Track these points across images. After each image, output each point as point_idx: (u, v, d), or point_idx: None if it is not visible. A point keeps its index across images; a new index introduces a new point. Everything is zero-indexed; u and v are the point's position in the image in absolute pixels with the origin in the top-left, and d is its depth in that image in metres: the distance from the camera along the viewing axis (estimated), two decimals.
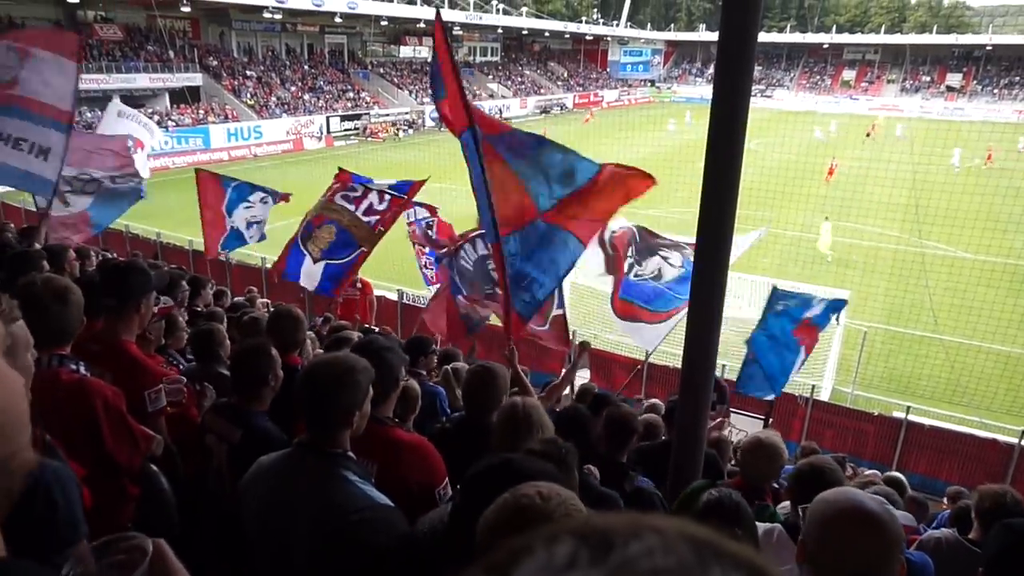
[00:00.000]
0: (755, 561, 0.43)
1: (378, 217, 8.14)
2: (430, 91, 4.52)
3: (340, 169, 8.42)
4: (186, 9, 38.49)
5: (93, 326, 3.02)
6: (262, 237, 9.64)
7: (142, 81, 36.94)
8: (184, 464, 2.91)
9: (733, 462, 5.39)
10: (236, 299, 7.65)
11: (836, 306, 7.14)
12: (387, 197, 8.16)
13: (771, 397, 7.30)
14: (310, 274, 8.48)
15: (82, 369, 2.48)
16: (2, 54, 6.24)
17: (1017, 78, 67.18)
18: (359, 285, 9.98)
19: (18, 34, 8.26)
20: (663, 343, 7.69)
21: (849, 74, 76.01)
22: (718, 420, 6.36)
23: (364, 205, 8.23)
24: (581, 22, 77.38)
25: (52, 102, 6.42)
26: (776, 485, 3.68)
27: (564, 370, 5.75)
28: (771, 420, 8.29)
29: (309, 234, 8.39)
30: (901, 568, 1.43)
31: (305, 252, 8.46)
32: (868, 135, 45.14)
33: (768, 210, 22.01)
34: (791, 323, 6.89)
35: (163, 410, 2.98)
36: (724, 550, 0.42)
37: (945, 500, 6.06)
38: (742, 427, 8.42)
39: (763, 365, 6.94)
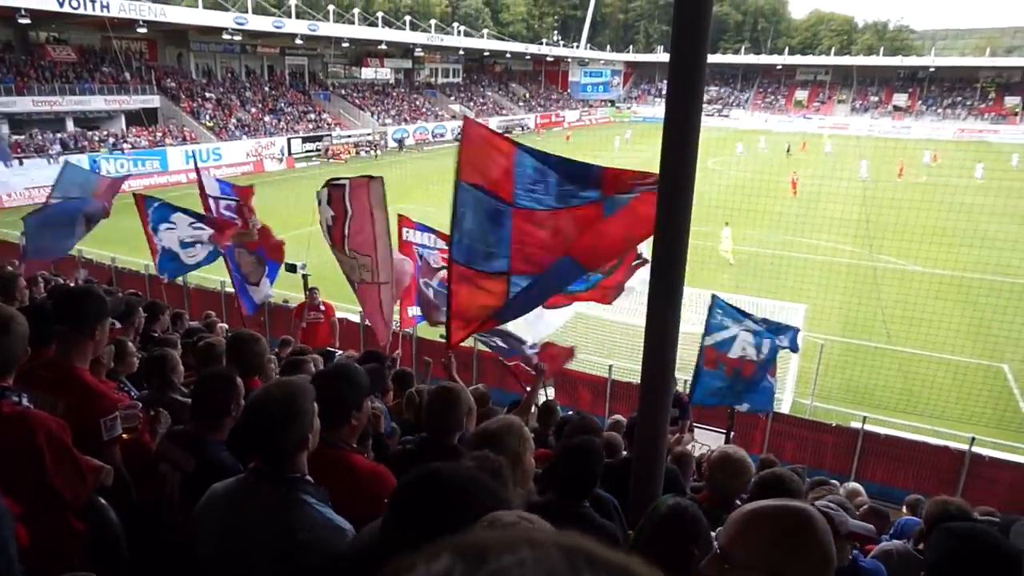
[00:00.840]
0: (628, 566, 0.45)
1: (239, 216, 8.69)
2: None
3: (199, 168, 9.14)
4: (142, 30, 37.91)
5: (44, 353, 2.94)
6: (209, 259, 9.34)
7: (97, 103, 36.20)
8: (137, 491, 2.83)
9: (695, 477, 5.45)
10: (191, 324, 7.49)
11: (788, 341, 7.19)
12: (222, 203, 8.72)
13: (742, 408, 7.41)
14: (260, 291, 8.91)
15: (25, 401, 2.41)
16: None
17: (959, 98, 70.21)
18: (322, 308, 9.86)
19: None
20: (621, 357, 7.74)
21: (802, 94, 78.50)
22: (677, 435, 6.43)
23: (223, 209, 8.75)
24: (542, 44, 78.57)
25: None
26: (739, 501, 3.73)
27: (528, 390, 5.74)
28: (732, 433, 8.41)
29: (241, 272, 8.83)
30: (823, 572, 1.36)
31: (251, 285, 8.93)
32: (788, 151, 48.00)
33: (727, 227, 22.51)
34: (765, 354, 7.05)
35: (118, 438, 2.90)
36: (597, 557, 0.45)
37: (904, 508, 6.21)
38: (704, 441, 8.52)
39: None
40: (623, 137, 55.76)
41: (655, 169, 3.23)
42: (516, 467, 2.45)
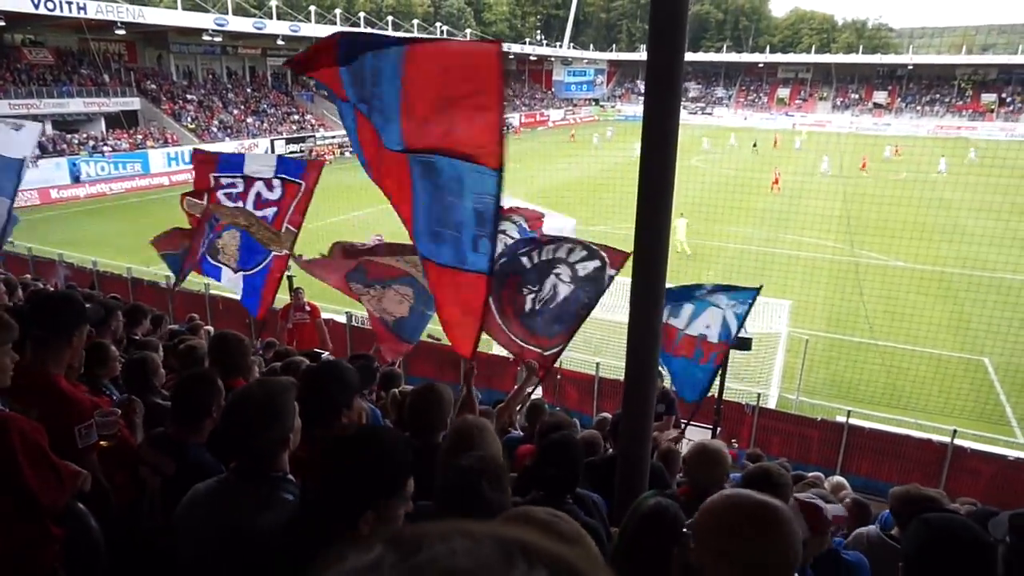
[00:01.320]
0: (563, 557, 0.45)
1: (275, 209, 6.92)
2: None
3: (195, 151, 7.36)
4: (121, 32, 37.47)
5: (20, 357, 2.89)
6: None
7: (76, 106, 35.75)
8: (116, 494, 2.79)
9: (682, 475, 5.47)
10: (173, 326, 7.41)
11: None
12: (276, 183, 6.97)
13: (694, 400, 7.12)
14: (234, 282, 7.60)
15: None
16: None
17: (938, 95, 71.12)
18: (307, 309, 9.78)
19: None
20: (608, 355, 7.71)
21: (784, 92, 79.17)
22: (668, 431, 6.45)
23: (252, 197, 7.01)
24: (525, 43, 78.58)
25: None
26: None
27: (515, 388, 5.73)
28: (719, 429, 8.46)
29: (214, 245, 7.32)
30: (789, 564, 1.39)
31: (219, 264, 7.51)
32: (754, 146, 48.85)
33: (711, 223, 22.68)
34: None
35: (95, 445, 2.85)
36: (532, 548, 0.45)
37: (890, 501, 6.28)
38: (689, 436, 8.55)
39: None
40: (604, 135, 56.01)
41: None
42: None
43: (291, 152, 43.43)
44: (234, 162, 7.32)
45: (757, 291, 6.35)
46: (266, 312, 7.89)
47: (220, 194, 7.02)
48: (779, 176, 32.35)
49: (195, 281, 14.36)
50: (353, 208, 23.32)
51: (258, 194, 7.03)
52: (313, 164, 7.43)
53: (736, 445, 8.90)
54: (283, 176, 6.98)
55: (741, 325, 6.35)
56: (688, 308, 6.37)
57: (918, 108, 70.50)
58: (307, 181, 6.96)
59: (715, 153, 46.51)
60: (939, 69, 71.90)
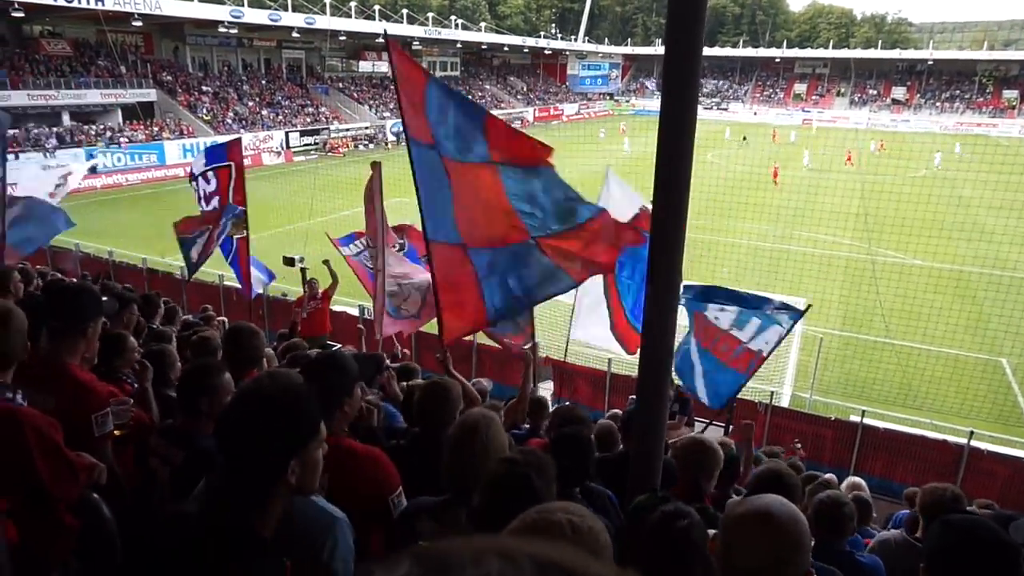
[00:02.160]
0: None
1: (217, 197, 7.88)
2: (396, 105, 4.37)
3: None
4: (138, 24, 37.70)
5: (35, 349, 2.91)
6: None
7: (93, 97, 36.04)
8: (129, 478, 2.81)
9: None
10: (187, 317, 7.45)
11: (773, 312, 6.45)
12: (210, 175, 7.93)
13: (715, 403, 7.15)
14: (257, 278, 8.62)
15: (19, 398, 2.38)
16: None
17: (957, 91, 70.11)
18: (319, 296, 9.85)
19: None
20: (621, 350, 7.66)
21: (800, 87, 78.35)
22: (679, 429, 6.39)
23: (203, 194, 8.02)
24: (540, 37, 78.23)
25: None
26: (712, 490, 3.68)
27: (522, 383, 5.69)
28: (731, 428, 8.39)
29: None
30: (806, 573, 1.45)
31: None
32: (744, 139, 49.69)
33: (725, 220, 22.52)
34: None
35: (110, 434, 2.88)
36: (571, 571, 0.42)
37: (905, 501, 6.21)
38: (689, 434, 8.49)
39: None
40: (619, 129, 55.77)
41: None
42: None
43: (305, 145, 43.58)
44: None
45: (803, 312, 6.46)
46: (249, 292, 8.71)
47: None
48: (778, 169, 32.93)
49: (209, 272, 14.46)
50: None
51: (203, 191, 7.94)
52: (232, 143, 8.19)
53: (799, 445, 8.76)
54: (213, 166, 7.81)
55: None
56: (755, 322, 6.27)
57: (937, 104, 69.55)
58: (234, 159, 7.75)
59: (730, 149, 46.24)
60: (960, 65, 70.83)
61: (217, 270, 14.87)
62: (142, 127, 36.52)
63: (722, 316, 6.29)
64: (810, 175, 34.24)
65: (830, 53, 77.35)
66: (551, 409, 5.39)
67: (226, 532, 1.53)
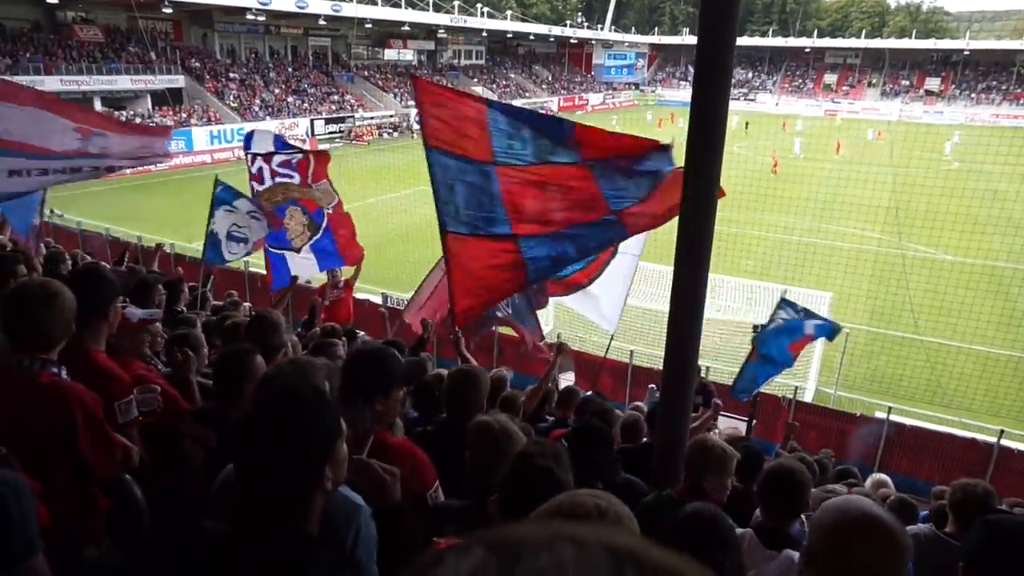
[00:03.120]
0: (678, 569, 0.42)
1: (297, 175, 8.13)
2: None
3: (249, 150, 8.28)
4: (168, 11, 38.15)
5: None
6: (247, 253, 8.88)
7: (123, 83, 36.54)
8: (162, 464, 2.85)
9: None
10: (216, 303, 7.56)
11: (827, 331, 7.11)
12: (283, 157, 8.14)
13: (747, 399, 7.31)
14: (301, 264, 8.44)
15: (63, 374, 2.43)
16: None
17: (994, 82, 68.29)
18: (341, 284, 9.91)
19: None
20: (643, 343, 7.63)
21: (831, 78, 76.88)
22: (703, 419, 6.37)
23: (272, 172, 8.18)
24: (566, 26, 77.64)
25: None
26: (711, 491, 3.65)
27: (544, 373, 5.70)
28: (755, 422, 8.32)
29: (282, 236, 8.22)
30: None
31: (283, 253, 8.33)
32: (747, 126, 49.07)
33: (751, 212, 22.23)
34: (788, 337, 6.95)
35: (135, 421, 2.88)
36: (645, 560, 0.41)
37: (933, 500, 6.13)
38: (725, 429, 8.44)
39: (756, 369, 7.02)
40: (646, 119, 55.30)
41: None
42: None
43: (330, 132, 43.78)
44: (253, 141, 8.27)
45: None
46: (359, 257, 8.86)
47: (279, 169, 8.04)
48: (777, 159, 33.07)
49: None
50: (388, 190, 23.43)
51: (279, 165, 7.99)
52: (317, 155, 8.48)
53: (830, 453, 8.73)
54: (286, 152, 8.03)
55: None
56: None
57: (973, 96, 67.81)
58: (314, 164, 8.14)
59: (749, 141, 45.65)
60: (997, 55, 68.91)
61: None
62: (171, 113, 36.98)
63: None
64: (877, 172, 33.59)
65: (862, 43, 75.69)
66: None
67: (276, 543, 1.49)
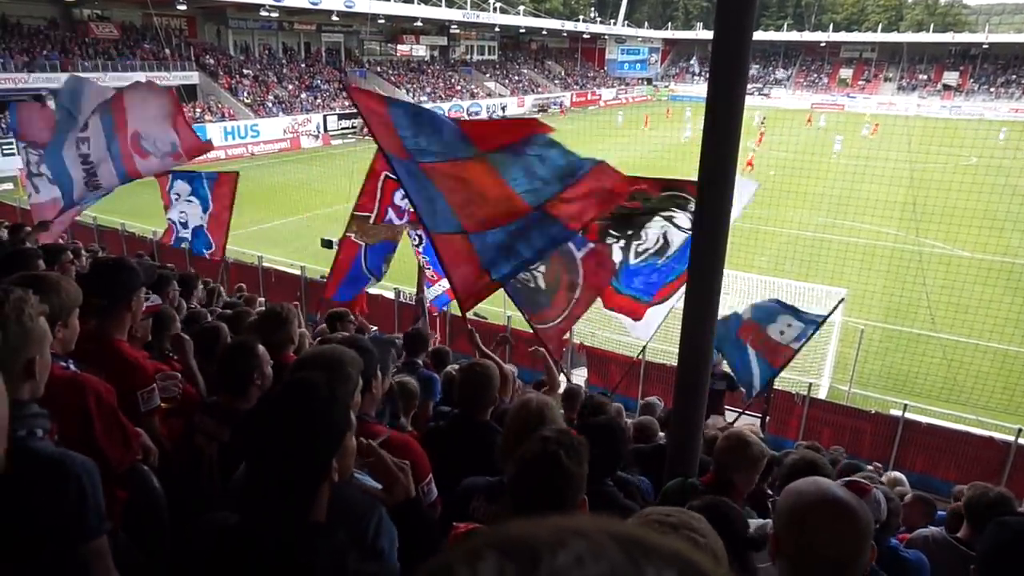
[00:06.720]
0: (686, 556, 0.41)
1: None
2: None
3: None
4: (182, 7, 38.37)
5: (85, 325, 2.99)
6: (210, 245, 8.57)
7: (138, 79, 36.74)
8: (178, 452, 2.88)
9: None
10: (228, 298, 7.61)
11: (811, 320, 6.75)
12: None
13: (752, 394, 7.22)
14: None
15: (72, 366, 2.45)
16: None
17: (1013, 76, 67.28)
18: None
19: None
20: (656, 339, 7.56)
21: (846, 72, 76.01)
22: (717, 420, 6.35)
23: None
24: (578, 20, 77.30)
25: None
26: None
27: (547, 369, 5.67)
28: (768, 418, 8.29)
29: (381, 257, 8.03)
30: (872, 552, 1.45)
31: (370, 277, 8.13)
32: (763, 121, 47.20)
33: (765, 208, 22.09)
34: (736, 320, 6.84)
35: (156, 409, 2.94)
36: (653, 547, 0.41)
37: (951, 500, 6.08)
38: (738, 425, 8.40)
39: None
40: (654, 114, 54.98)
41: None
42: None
43: (343, 128, 43.86)
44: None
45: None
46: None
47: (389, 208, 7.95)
48: (752, 158, 32.23)
49: (249, 253, 14.73)
50: None
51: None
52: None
53: (842, 451, 8.67)
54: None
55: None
56: (793, 323, 6.61)
57: (991, 90, 66.80)
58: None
59: (774, 135, 45.29)
60: (1017, 48, 67.83)
61: (256, 251, 15.16)
62: (185, 109, 37.17)
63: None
64: (895, 167, 33.08)
65: (879, 37, 74.73)
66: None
67: (285, 533, 1.52)
